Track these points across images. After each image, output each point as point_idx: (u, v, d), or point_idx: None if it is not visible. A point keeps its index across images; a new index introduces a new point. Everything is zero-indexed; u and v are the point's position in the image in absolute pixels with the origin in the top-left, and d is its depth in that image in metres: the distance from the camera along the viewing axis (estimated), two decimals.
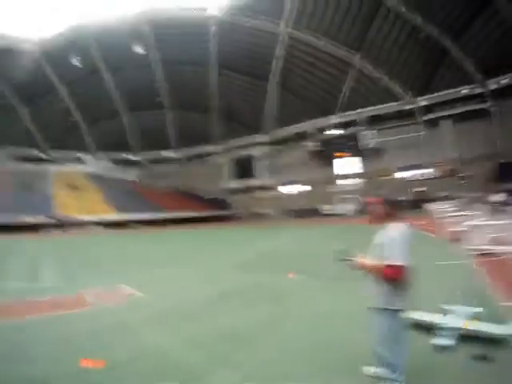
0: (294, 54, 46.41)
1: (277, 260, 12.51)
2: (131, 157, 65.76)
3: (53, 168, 60.16)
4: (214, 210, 53.46)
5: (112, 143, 62.17)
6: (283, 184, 54.98)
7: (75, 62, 48.42)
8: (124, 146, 63.80)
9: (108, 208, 48.59)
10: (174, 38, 48.19)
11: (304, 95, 50.86)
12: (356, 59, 44.53)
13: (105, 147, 63.15)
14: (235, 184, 54.92)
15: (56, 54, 47.97)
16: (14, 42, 45.66)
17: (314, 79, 48.39)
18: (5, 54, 44.63)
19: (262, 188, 53.02)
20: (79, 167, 62.15)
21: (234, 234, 31.51)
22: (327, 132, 51.62)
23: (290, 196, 53.97)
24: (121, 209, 47.88)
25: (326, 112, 50.68)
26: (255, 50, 47.44)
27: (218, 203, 56.49)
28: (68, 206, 47.13)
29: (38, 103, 54.77)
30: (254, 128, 55.20)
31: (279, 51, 46.70)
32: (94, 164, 63.25)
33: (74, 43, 46.55)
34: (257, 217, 49.85)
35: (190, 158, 65.64)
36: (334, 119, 50.79)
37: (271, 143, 53.90)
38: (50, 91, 54.28)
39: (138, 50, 48.36)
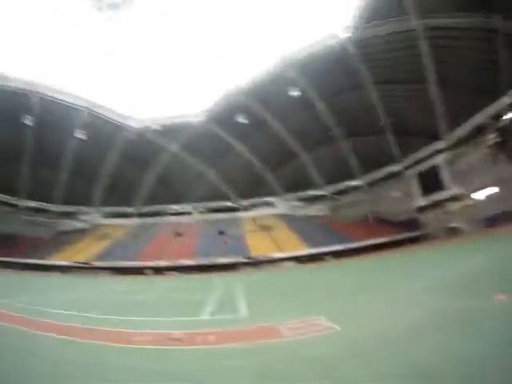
0: (438, 44, 41.38)
1: (485, 281, 10.69)
2: (317, 192, 67.29)
3: (244, 214, 70.63)
4: (405, 232, 49.97)
5: (296, 183, 66.22)
6: (473, 190, 46.46)
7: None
8: (309, 184, 66.85)
9: (299, 244, 50.64)
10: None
11: (464, 84, 43.71)
12: (498, 22, 35.65)
13: (290, 188, 67.87)
14: (423, 201, 50.00)
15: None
16: None
17: (466, 62, 41.57)
18: None
19: (453, 199, 46.30)
20: (268, 210, 68.71)
21: (427, 255, 29.92)
22: (505, 117, 41.09)
23: (478, 202, 45.34)
24: (311, 243, 49.58)
25: (494, 94, 41.48)
26: (399, 55, 44.46)
27: (408, 224, 52.40)
28: (261, 246, 52.12)
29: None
30: (428, 136, 51.32)
31: (423, 47, 42.27)
32: (283, 206, 68.29)
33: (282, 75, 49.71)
34: (449, 232, 44.97)
35: (373, 183, 62.89)
36: (507, 99, 40.16)
37: (449, 148, 47.49)
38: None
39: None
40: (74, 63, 55.62)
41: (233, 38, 55.28)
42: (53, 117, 55.27)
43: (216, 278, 32.48)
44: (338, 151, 60.08)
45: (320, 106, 53.03)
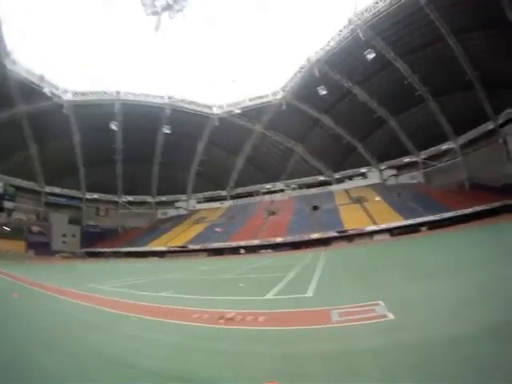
0: None
1: None
2: (409, 159, 66.74)
3: (336, 187, 72.45)
4: (504, 200, 45.03)
5: (389, 151, 66.30)
6: None
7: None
8: (400, 151, 66.17)
9: (392, 215, 51.82)
10: None
11: None
12: None
13: (382, 157, 68.29)
14: None
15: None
16: None
17: None
18: None
19: None
20: (362, 182, 70.23)
21: None
22: None
23: None
24: (407, 214, 50.31)
25: None
26: None
27: (507, 190, 46.46)
28: (354, 219, 53.62)
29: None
30: None
31: None
32: (375, 176, 69.94)
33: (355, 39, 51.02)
34: None
35: (467, 145, 59.30)
36: None
37: None
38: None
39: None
40: (147, 66, 59.05)
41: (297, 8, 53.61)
42: (138, 118, 64.88)
43: (305, 254, 34.16)
44: (427, 112, 59.59)
45: (400, 66, 53.58)
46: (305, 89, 58.80)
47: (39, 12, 52.50)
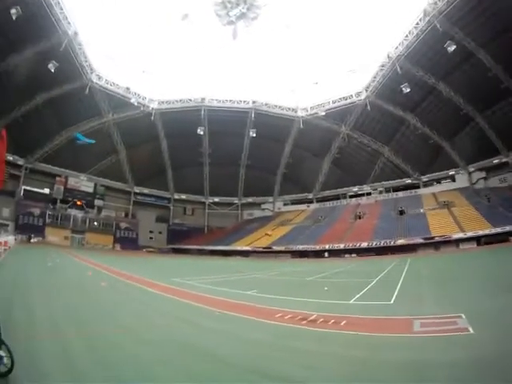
0: None
1: None
2: (500, 160, 60.80)
3: (424, 190, 69.68)
4: None
5: (477, 151, 61.43)
6: None
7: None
8: (490, 150, 60.36)
9: (482, 222, 48.32)
10: None
11: None
12: None
13: (471, 158, 63.75)
14: None
15: None
16: None
17: None
18: None
19: None
20: (450, 185, 67.23)
21: None
22: None
23: None
24: (496, 221, 46.16)
25: None
26: None
27: None
28: (441, 225, 51.76)
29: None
30: None
31: None
32: (464, 179, 65.96)
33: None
34: None
35: None
36: None
37: None
38: None
39: None
40: (230, 74, 60.81)
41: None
42: (223, 123, 68.06)
43: (390, 260, 35.12)
44: None
45: (483, 57, 49.84)
46: (388, 87, 58.67)
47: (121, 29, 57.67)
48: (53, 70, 52.03)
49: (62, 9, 48.23)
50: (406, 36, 51.86)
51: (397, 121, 64.27)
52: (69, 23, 50.29)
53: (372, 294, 13.10)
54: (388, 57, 55.24)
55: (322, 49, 59.69)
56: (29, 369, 4.73)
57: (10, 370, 4.25)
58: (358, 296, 12.18)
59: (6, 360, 4.25)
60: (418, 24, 49.85)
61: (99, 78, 61.20)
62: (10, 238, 43.75)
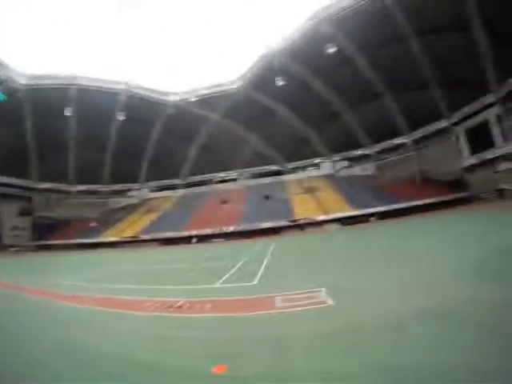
0: None
1: None
2: (362, 152, 69.87)
3: (289, 177, 73.78)
4: (453, 194, 51.07)
5: (341, 142, 68.77)
6: None
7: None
8: (354, 143, 69.11)
9: (345, 205, 53.98)
10: None
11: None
12: None
13: (335, 148, 70.73)
14: (472, 159, 48.27)
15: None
16: None
17: None
18: None
19: (505, 158, 44.29)
20: (314, 172, 72.33)
21: (470, 219, 29.62)
22: None
23: None
24: (357, 205, 52.40)
25: None
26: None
27: (456, 185, 53.24)
28: (305, 208, 55.11)
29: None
30: (478, 88, 49.19)
31: None
32: (328, 167, 71.93)
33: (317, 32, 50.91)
34: (499, 194, 45.09)
35: (420, 141, 63.70)
36: None
37: (500, 101, 46.75)
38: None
39: None
40: (106, 53, 57.37)
41: None
42: (93, 104, 62.96)
43: (256, 243, 36.29)
44: (383, 108, 62.60)
45: (360, 61, 55.25)
46: (263, 78, 59.68)
47: None
48: None
49: None
50: (291, 33, 53.06)
51: (267, 110, 65.83)
52: None
53: (237, 276, 13.44)
54: (267, 48, 56.14)
55: (203, 36, 59.71)
56: None
57: None
58: (223, 279, 12.62)
59: None
60: (303, 23, 51.42)
61: None
62: None
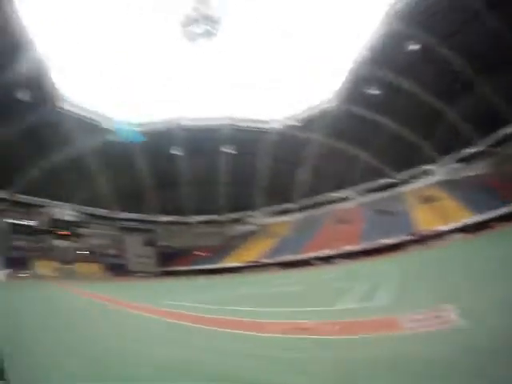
0: None
1: None
2: (473, 149, 63.09)
3: (403, 188, 70.92)
4: None
5: (450, 143, 63.63)
6: None
7: None
8: (463, 142, 63.02)
9: (465, 212, 50.02)
10: None
11: None
12: None
13: (446, 151, 65.75)
14: None
15: None
16: None
17: None
18: None
19: None
20: (428, 180, 68.38)
21: None
22: None
23: None
24: (477, 209, 48.11)
25: None
26: None
27: None
28: (424, 220, 52.74)
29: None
30: None
31: None
32: (441, 171, 67.54)
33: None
34: None
35: None
36: None
37: None
38: None
39: None
40: (201, 90, 61.32)
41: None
42: (199, 141, 68.17)
43: (377, 261, 33.17)
44: (483, 96, 56.00)
45: (444, 51, 51.00)
46: (357, 92, 58.73)
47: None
48: (22, 99, 50.63)
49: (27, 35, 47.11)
50: (370, 39, 52.10)
51: (369, 123, 64.40)
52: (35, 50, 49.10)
53: (361, 296, 13.08)
54: (354, 61, 55.77)
55: (287, 58, 60.89)
56: None
57: None
58: (347, 300, 12.29)
59: None
60: (379, 27, 50.29)
61: (72, 104, 59.14)
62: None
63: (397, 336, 6.76)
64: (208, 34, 47.97)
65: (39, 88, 53.28)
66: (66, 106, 58.87)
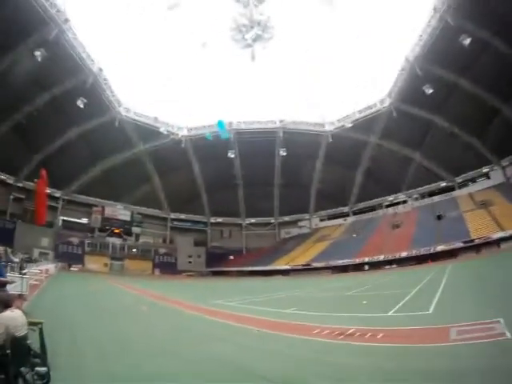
0: None
1: None
2: None
3: (460, 192, 67.80)
4: None
5: (509, 143, 58.22)
6: None
7: None
8: None
9: None
10: None
11: None
12: None
13: (503, 152, 61.21)
14: None
15: None
16: None
17: None
18: None
19: None
20: (485, 183, 64.96)
21: None
22: None
23: None
24: None
25: None
26: None
27: None
28: (480, 226, 50.39)
29: None
30: None
31: None
32: (498, 174, 63.53)
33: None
34: None
35: None
36: None
37: None
38: None
39: None
40: (253, 95, 62.24)
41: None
42: (253, 144, 68.87)
43: (430, 268, 35.40)
44: None
45: (499, 45, 48.18)
46: (410, 91, 57.89)
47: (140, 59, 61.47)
48: (82, 106, 55.34)
49: (84, 48, 51.43)
50: (421, 36, 51.75)
51: (423, 123, 63.31)
52: (92, 61, 53.65)
53: (410, 304, 13.06)
54: (406, 60, 55.29)
55: (339, 60, 60.26)
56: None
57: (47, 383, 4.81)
58: (396, 308, 12.27)
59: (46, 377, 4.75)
60: (430, 22, 49.76)
61: (127, 110, 64.53)
62: (51, 266, 45.93)
63: (448, 347, 6.65)
64: (259, 39, 48.65)
65: (98, 97, 57.82)
66: (124, 113, 63.69)
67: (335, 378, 5.66)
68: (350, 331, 8.70)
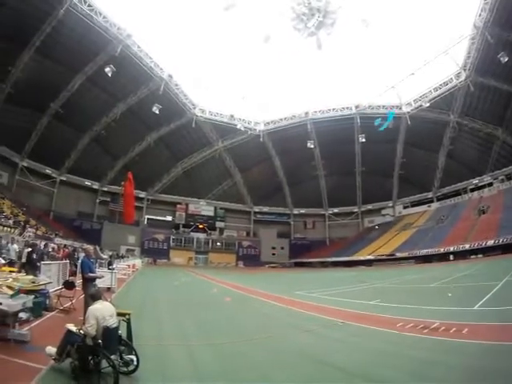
0: None
1: None
2: None
3: None
4: None
5: None
6: None
7: None
8: None
9: None
10: None
11: None
12: None
13: None
14: None
15: None
16: None
17: None
18: None
19: None
20: None
21: None
22: None
23: None
24: None
25: None
26: None
27: None
28: None
29: None
30: None
31: None
32: None
33: None
34: None
35: None
36: None
37: None
38: None
39: None
40: (326, 83, 62.18)
41: None
42: (330, 132, 67.58)
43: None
44: None
45: None
46: (485, 61, 52.78)
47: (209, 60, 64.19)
48: (157, 112, 59.42)
49: (151, 58, 55.18)
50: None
51: (504, 96, 57.14)
52: (161, 69, 57.40)
53: (498, 298, 12.62)
54: (475, 27, 50.26)
55: (405, 38, 57.40)
56: (157, 370, 5.79)
57: (135, 370, 5.37)
58: (482, 301, 11.90)
59: (135, 362, 5.40)
60: None
61: (202, 111, 67.49)
62: (138, 261, 51.04)
63: None
64: (322, 26, 47.77)
65: (172, 101, 61.50)
66: (199, 113, 66.72)
67: (411, 372, 5.65)
68: (435, 325, 8.60)
